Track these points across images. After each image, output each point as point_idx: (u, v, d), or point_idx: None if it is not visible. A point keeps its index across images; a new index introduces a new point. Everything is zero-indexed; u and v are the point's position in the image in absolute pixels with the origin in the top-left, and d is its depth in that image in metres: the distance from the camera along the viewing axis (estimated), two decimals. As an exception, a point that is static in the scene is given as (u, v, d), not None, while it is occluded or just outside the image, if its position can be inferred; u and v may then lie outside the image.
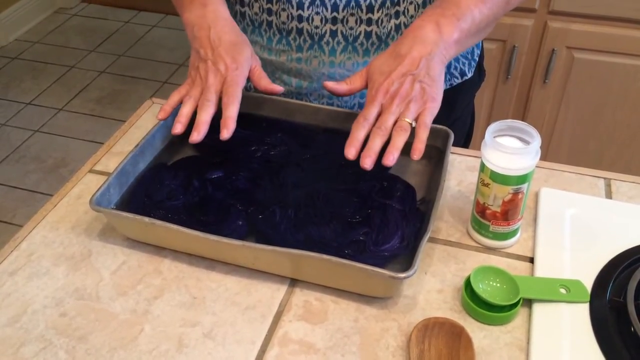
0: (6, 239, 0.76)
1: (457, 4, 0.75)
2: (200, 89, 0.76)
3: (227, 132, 0.72)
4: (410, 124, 0.70)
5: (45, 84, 2.72)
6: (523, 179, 0.66)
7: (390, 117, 0.70)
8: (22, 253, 0.72)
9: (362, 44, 0.86)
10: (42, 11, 3.22)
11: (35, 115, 2.54)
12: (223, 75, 0.76)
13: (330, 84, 0.76)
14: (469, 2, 0.75)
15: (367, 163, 0.67)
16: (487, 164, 0.66)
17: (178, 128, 0.73)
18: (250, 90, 0.91)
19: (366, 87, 0.75)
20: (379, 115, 0.71)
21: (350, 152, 0.68)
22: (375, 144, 0.68)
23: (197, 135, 0.72)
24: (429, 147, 0.81)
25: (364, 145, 0.69)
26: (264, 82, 0.80)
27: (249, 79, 0.79)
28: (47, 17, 3.24)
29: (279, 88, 0.80)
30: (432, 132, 0.80)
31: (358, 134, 0.69)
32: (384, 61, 0.73)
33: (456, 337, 0.61)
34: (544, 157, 0.70)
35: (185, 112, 0.74)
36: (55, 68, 2.83)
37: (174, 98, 0.77)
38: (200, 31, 0.79)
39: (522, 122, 0.67)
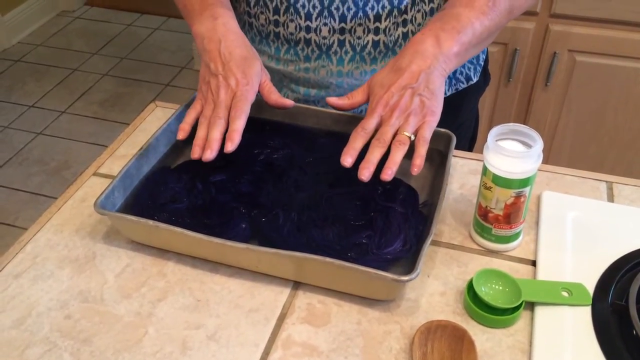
0: (9, 242, 0.77)
1: (457, 17, 0.75)
2: (213, 106, 0.76)
3: (231, 145, 0.72)
4: (409, 138, 0.70)
5: (48, 87, 2.73)
6: (525, 182, 0.66)
7: (390, 130, 0.70)
8: (27, 256, 0.73)
9: (369, 53, 0.87)
10: (45, 14, 3.23)
11: (38, 118, 2.54)
12: (233, 90, 0.76)
13: (332, 100, 0.77)
14: (469, 15, 0.75)
15: (365, 175, 0.67)
16: (490, 168, 0.67)
17: (197, 152, 0.73)
18: None
19: (368, 100, 0.75)
20: (378, 127, 0.71)
21: (347, 160, 0.69)
22: (374, 156, 0.69)
23: (210, 153, 0.72)
24: (431, 151, 0.81)
25: (361, 157, 0.69)
26: (274, 96, 0.80)
27: (258, 93, 0.80)
28: (50, 20, 3.25)
29: (289, 102, 0.80)
30: (435, 135, 0.80)
31: (355, 143, 0.70)
32: (384, 75, 0.74)
33: (459, 340, 0.61)
34: (545, 160, 0.71)
35: (202, 135, 0.75)
36: (58, 71, 2.84)
37: (191, 116, 0.78)
38: (211, 44, 0.79)
39: (524, 126, 0.67)
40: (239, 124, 0.74)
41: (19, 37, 3.08)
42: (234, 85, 0.76)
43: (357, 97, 0.76)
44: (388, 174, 0.67)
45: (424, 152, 0.69)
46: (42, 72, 2.83)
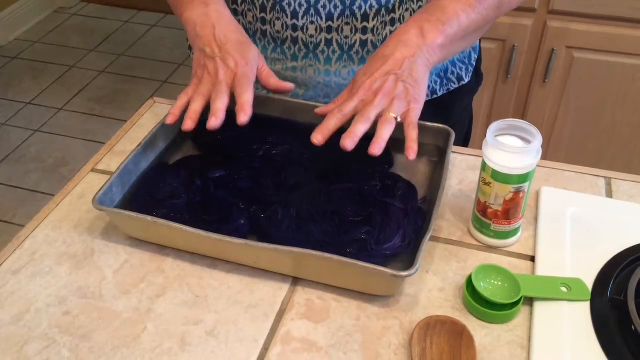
0: (7, 239, 0.76)
1: (443, 9, 0.74)
2: (210, 85, 0.75)
3: (244, 115, 0.70)
4: (396, 119, 0.68)
5: (45, 84, 2.72)
6: (524, 177, 0.66)
7: (373, 110, 0.68)
8: (25, 252, 0.72)
9: (357, 52, 0.86)
10: (42, 11, 3.22)
11: (35, 115, 2.54)
12: (233, 71, 0.75)
13: (320, 110, 0.75)
14: (456, 7, 0.74)
15: (348, 143, 0.66)
16: (489, 163, 0.67)
17: (189, 124, 0.72)
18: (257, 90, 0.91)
19: None
20: (356, 113, 0.69)
21: (317, 138, 0.67)
22: (358, 129, 0.67)
23: (215, 121, 0.70)
24: (430, 146, 0.81)
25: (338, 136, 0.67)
26: (274, 80, 0.79)
27: (257, 79, 0.79)
28: (47, 17, 3.24)
29: (290, 85, 0.79)
30: (434, 131, 0.80)
31: (329, 123, 0.68)
32: (368, 65, 0.73)
33: (458, 336, 0.61)
34: (543, 156, 0.71)
35: (195, 108, 0.73)
36: (55, 68, 2.83)
37: (182, 100, 0.75)
38: (204, 29, 0.78)
39: (524, 121, 0.67)
40: (249, 97, 0.72)
41: (16, 34, 3.07)
42: (233, 66, 0.75)
43: (344, 97, 0.74)
44: (376, 149, 0.65)
45: (415, 136, 0.67)
46: (39, 69, 2.83)
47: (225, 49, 0.76)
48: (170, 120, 0.75)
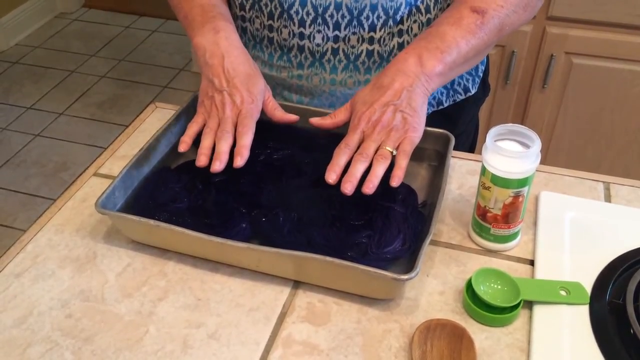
0: (7, 243, 0.77)
1: (442, 37, 0.75)
2: (218, 120, 0.77)
3: (241, 159, 0.73)
4: (391, 152, 0.71)
5: (46, 89, 2.73)
6: (524, 182, 0.67)
7: (372, 145, 0.71)
8: (28, 255, 0.73)
9: (363, 63, 0.86)
10: (43, 16, 3.23)
11: (36, 120, 2.54)
12: (239, 108, 0.77)
13: (315, 120, 0.77)
14: (455, 34, 0.75)
15: (348, 188, 0.68)
16: (488, 168, 0.67)
17: (203, 160, 0.74)
18: None
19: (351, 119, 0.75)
20: (360, 142, 0.72)
21: (331, 177, 0.69)
22: (357, 170, 0.69)
23: (219, 165, 0.73)
24: (430, 151, 0.82)
25: (345, 171, 0.70)
26: (279, 113, 0.81)
27: (263, 111, 0.80)
28: (48, 22, 3.25)
29: (294, 117, 0.81)
30: (434, 136, 0.81)
31: (339, 159, 0.71)
32: (366, 93, 0.74)
33: (458, 339, 0.61)
34: (543, 161, 0.71)
35: (207, 144, 0.75)
36: (56, 73, 2.84)
37: (193, 129, 0.78)
38: (214, 59, 0.79)
39: (523, 126, 0.68)
40: (247, 140, 0.74)
41: (17, 39, 3.08)
42: (239, 103, 0.77)
43: (340, 115, 0.76)
44: (370, 187, 0.68)
45: (404, 164, 0.70)
46: (40, 74, 2.83)
47: (233, 83, 0.77)
48: (183, 148, 0.76)
